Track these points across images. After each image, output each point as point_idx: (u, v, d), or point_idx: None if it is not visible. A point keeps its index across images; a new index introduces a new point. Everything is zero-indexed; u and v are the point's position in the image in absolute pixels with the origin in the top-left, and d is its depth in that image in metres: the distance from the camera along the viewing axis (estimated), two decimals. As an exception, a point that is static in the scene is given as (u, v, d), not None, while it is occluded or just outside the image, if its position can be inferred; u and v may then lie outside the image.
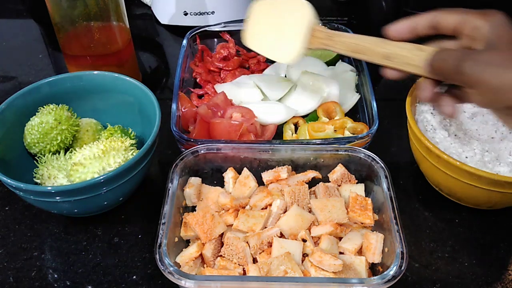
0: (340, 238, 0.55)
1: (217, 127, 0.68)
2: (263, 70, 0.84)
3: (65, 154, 0.64)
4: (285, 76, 0.81)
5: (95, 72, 0.69)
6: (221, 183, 0.62)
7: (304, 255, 0.53)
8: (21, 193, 0.56)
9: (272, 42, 0.64)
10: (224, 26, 0.85)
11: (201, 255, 0.54)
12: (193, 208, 0.60)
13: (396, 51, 0.54)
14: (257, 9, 0.67)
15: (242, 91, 0.76)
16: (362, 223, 0.55)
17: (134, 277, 0.57)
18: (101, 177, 0.54)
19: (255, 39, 0.66)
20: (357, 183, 0.60)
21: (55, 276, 0.58)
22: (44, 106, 0.64)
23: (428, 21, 0.52)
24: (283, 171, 0.59)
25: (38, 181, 0.62)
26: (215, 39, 0.88)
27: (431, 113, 0.65)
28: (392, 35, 0.54)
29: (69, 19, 0.71)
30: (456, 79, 0.48)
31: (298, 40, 0.60)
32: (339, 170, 0.60)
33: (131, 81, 0.67)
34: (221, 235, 0.55)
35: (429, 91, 0.52)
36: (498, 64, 0.44)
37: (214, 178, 0.62)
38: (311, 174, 0.60)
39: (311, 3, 0.62)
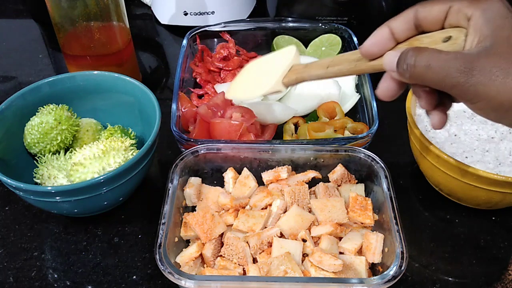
0: (340, 238, 0.55)
1: (217, 127, 0.68)
2: (263, 70, 0.83)
3: (65, 154, 0.64)
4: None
5: (95, 72, 0.69)
6: (221, 183, 0.62)
7: (304, 255, 0.52)
8: (21, 193, 0.56)
9: (251, 87, 0.61)
10: (224, 26, 0.85)
11: (201, 255, 0.54)
12: (193, 208, 0.60)
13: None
14: (245, 69, 0.64)
15: (242, 91, 0.76)
16: (362, 223, 0.55)
17: (134, 277, 0.57)
18: (101, 177, 0.54)
19: (235, 91, 0.63)
20: (357, 183, 0.60)
21: (55, 276, 0.58)
22: (44, 106, 0.64)
23: (406, 21, 0.42)
24: (283, 171, 0.59)
25: (38, 181, 0.62)
26: (215, 39, 0.88)
27: (431, 113, 0.65)
28: (369, 52, 0.44)
29: (69, 19, 0.71)
30: (445, 90, 0.38)
31: (275, 77, 0.57)
32: (339, 170, 0.60)
33: (131, 81, 0.67)
34: (221, 235, 0.55)
35: (428, 100, 0.43)
36: (505, 75, 0.35)
37: (214, 178, 0.62)
38: (311, 174, 0.60)
39: (310, 3, 0.61)
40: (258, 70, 0.62)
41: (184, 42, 0.81)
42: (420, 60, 0.38)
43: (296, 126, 0.73)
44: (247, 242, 0.53)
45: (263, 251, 0.53)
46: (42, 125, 0.62)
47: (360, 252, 0.54)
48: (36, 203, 0.57)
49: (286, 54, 0.58)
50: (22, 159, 0.65)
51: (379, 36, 0.43)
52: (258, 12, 1.03)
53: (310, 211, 0.56)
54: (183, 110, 0.72)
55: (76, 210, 0.59)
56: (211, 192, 0.60)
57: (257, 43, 0.90)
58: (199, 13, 0.95)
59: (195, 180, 0.60)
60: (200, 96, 0.80)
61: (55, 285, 0.57)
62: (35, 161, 0.65)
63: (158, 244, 0.49)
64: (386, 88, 0.44)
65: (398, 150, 0.72)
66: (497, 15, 0.37)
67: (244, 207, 0.57)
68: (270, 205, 0.56)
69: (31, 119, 0.64)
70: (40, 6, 0.73)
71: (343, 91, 0.76)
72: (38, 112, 0.64)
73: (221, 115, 0.71)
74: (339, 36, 0.84)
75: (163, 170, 0.70)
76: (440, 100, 0.43)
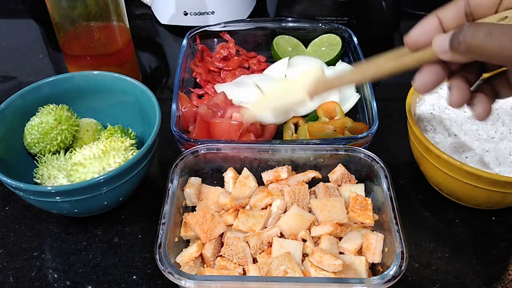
0: (340, 238, 0.55)
1: (217, 127, 0.68)
2: (263, 70, 0.84)
3: (65, 154, 0.64)
4: (285, 76, 0.81)
5: (95, 72, 0.69)
6: (221, 183, 0.62)
7: (304, 255, 0.52)
8: (21, 193, 0.56)
9: (274, 101, 0.60)
10: (224, 26, 0.85)
11: (201, 255, 0.54)
12: (193, 208, 0.60)
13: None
14: (267, 91, 0.64)
15: (242, 91, 0.76)
16: (362, 223, 0.55)
17: (134, 277, 0.57)
18: (101, 177, 0.54)
19: (258, 108, 0.63)
20: (357, 183, 0.60)
21: (55, 276, 0.58)
22: (44, 106, 0.64)
23: (456, 10, 0.41)
24: (283, 171, 0.59)
25: (38, 181, 0.62)
26: (215, 39, 0.88)
27: (431, 113, 0.65)
28: (416, 42, 0.42)
29: (69, 19, 0.71)
30: (506, 62, 0.37)
31: (300, 88, 0.54)
32: (339, 170, 0.60)
33: (131, 81, 0.67)
34: (221, 235, 0.55)
35: (463, 93, 0.42)
36: None
37: (214, 178, 0.62)
38: (311, 174, 0.60)
39: (310, 3, 0.61)
40: (281, 88, 0.61)
41: (184, 42, 0.81)
42: (479, 30, 0.36)
43: (296, 126, 0.73)
44: (247, 242, 0.53)
45: (263, 251, 0.53)
46: (42, 125, 0.62)
47: (360, 252, 0.54)
48: (36, 203, 0.57)
49: (309, 72, 0.56)
50: (22, 159, 0.65)
51: (427, 25, 0.42)
52: (258, 12, 1.03)
53: (310, 211, 0.56)
54: (183, 110, 0.72)
55: (76, 210, 0.59)
56: (211, 192, 0.60)
57: (257, 43, 0.90)
58: (199, 13, 0.95)
59: (195, 180, 0.60)
60: (200, 96, 0.80)
61: (55, 285, 0.57)
62: (35, 161, 0.65)
63: (158, 244, 0.49)
64: (424, 80, 0.43)
65: (398, 150, 0.72)
66: None
67: (244, 207, 0.57)
68: (270, 205, 0.56)
69: (31, 119, 0.64)
70: (40, 6, 0.73)
71: (343, 91, 0.76)
72: (38, 112, 0.64)
73: (221, 115, 0.71)
74: (339, 36, 0.84)
75: (163, 170, 0.70)
76: (482, 91, 0.43)
